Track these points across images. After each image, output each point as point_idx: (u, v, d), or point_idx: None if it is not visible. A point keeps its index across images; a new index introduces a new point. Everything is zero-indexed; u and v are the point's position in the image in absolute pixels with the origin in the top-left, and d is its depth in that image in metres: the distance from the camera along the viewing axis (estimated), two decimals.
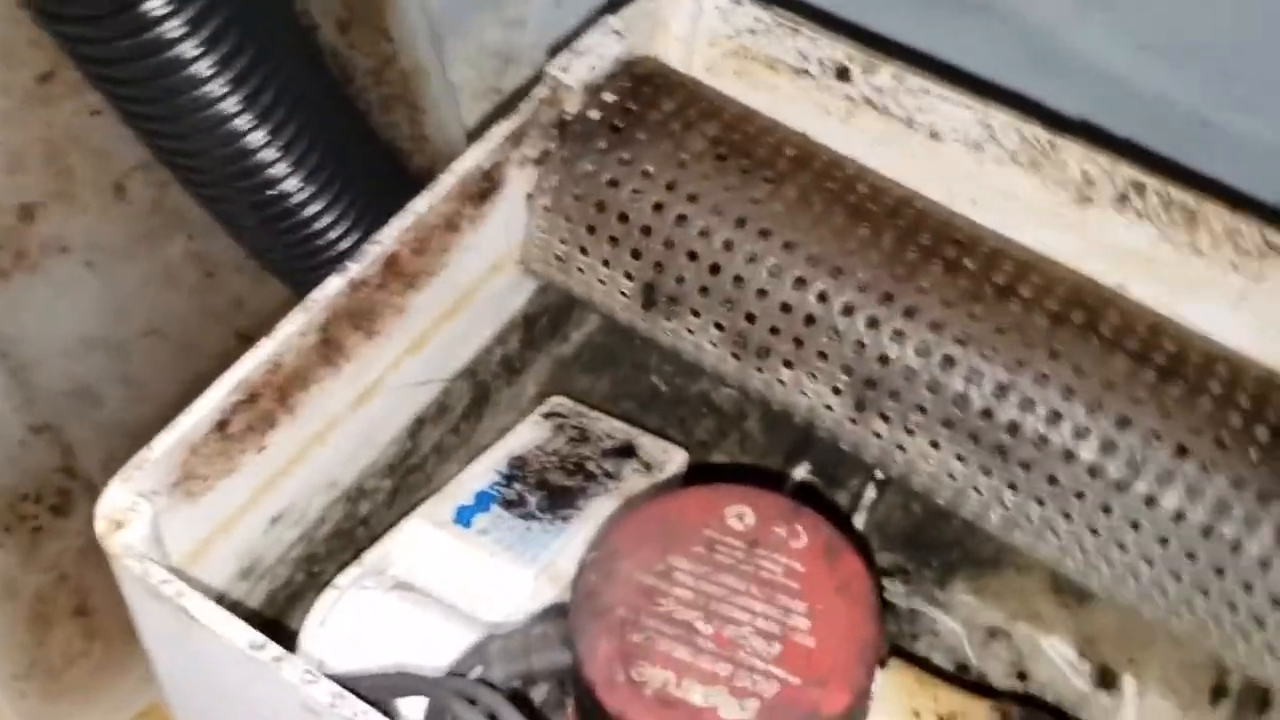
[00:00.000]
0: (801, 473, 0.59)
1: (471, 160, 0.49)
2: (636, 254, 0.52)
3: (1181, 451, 0.46)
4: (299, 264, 0.55)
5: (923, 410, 0.48)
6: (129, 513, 0.39)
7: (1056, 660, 0.56)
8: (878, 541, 0.58)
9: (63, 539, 0.61)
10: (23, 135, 0.54)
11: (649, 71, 0.55)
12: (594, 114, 0.53)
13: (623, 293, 0.53)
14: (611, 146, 0.52)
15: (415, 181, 0.69)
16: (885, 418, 0.49)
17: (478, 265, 0.53)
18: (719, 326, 0.51)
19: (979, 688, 0.45)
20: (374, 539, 0.53)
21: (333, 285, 0.45)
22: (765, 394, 0.52)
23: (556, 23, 0.86)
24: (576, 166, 0.52)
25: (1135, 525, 0.46)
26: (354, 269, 0.46)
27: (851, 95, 0.55)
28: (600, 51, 0.53)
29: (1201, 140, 0.83)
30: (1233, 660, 0.48)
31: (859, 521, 0.56)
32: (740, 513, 0.41)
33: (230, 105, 0.48)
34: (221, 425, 0.42)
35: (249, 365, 0.43)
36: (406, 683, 0.40)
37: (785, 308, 0.50)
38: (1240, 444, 0.46)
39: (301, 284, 0.55)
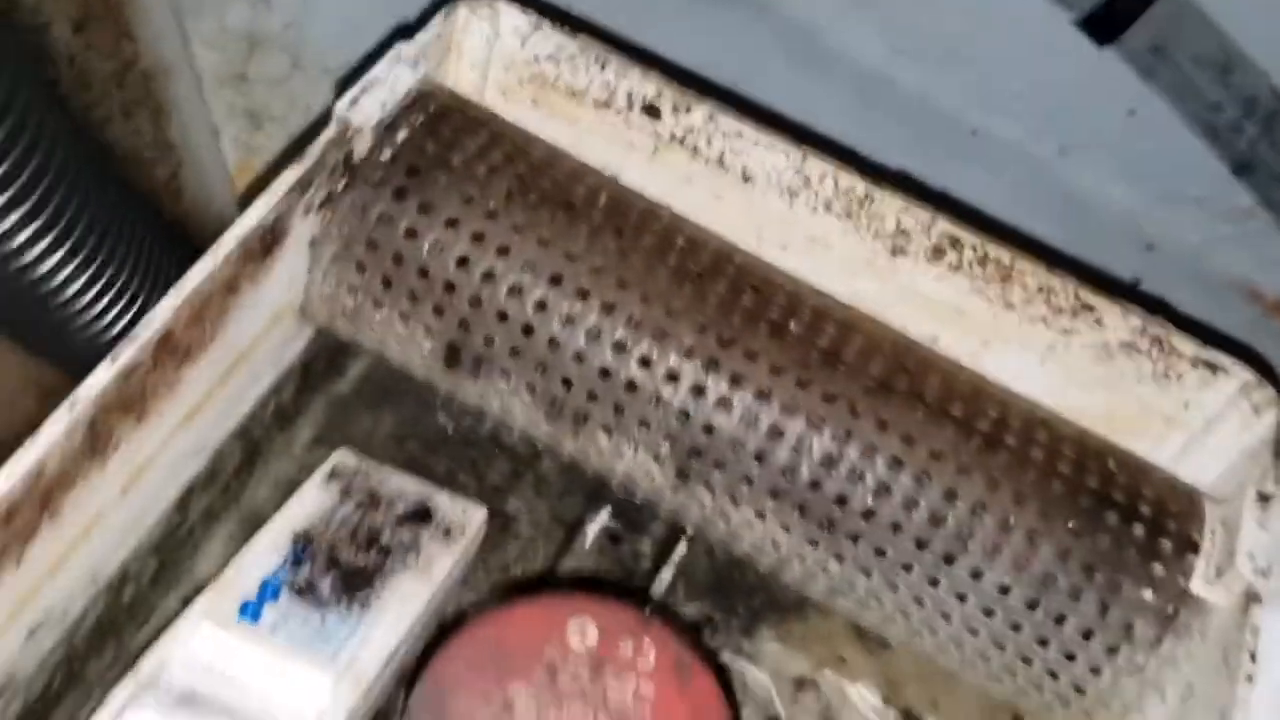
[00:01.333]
0: (603, 518, 0.56)
1: (254, 218, 0.43)
2: (439, 311, 0.47)
3: (1006, 525, 0.45)
4: (50, 333, 0.47)
5: (749, 481, 0.46)
6: None
7: (863, 708, 0.55)
8: (683, 591, 0.56)
9: None
10: None
11: (446, 105, 0.50)
12: (387, 155, 0.48)
13: (422, 350, 0.49)
14: (409, 192, 0.47)
15: (174, 222, 0.63)
16: (709, 487, 0.47)
17: (257, 322, 0.48)
18: (530, 389, 0.48)
19: None
20: (139, 625, 0.47)
21: (101, 377, 0.39)
22: (579, 458, 0.49)
23: (306, 4, 0.80)
24: (369, 213, 0.47)
25: (962, 598, 0.46)
26: (125, 355, 0.40)
27: (660, 132, 0.52)
28: (393, 85, 0.48)
29: (972, 149, 0.84)
30: None
31: (667, 575, 0.54)
32: (582, 628, 0.37)
33: None
34: None
35: (9, 480, 0.36)
36: None
37: (604, 373, 0.47)
38: (1063, 514, 0.46)
39: (41, 345, 0.48)
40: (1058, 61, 0.79)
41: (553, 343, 0.47)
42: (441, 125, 0.49)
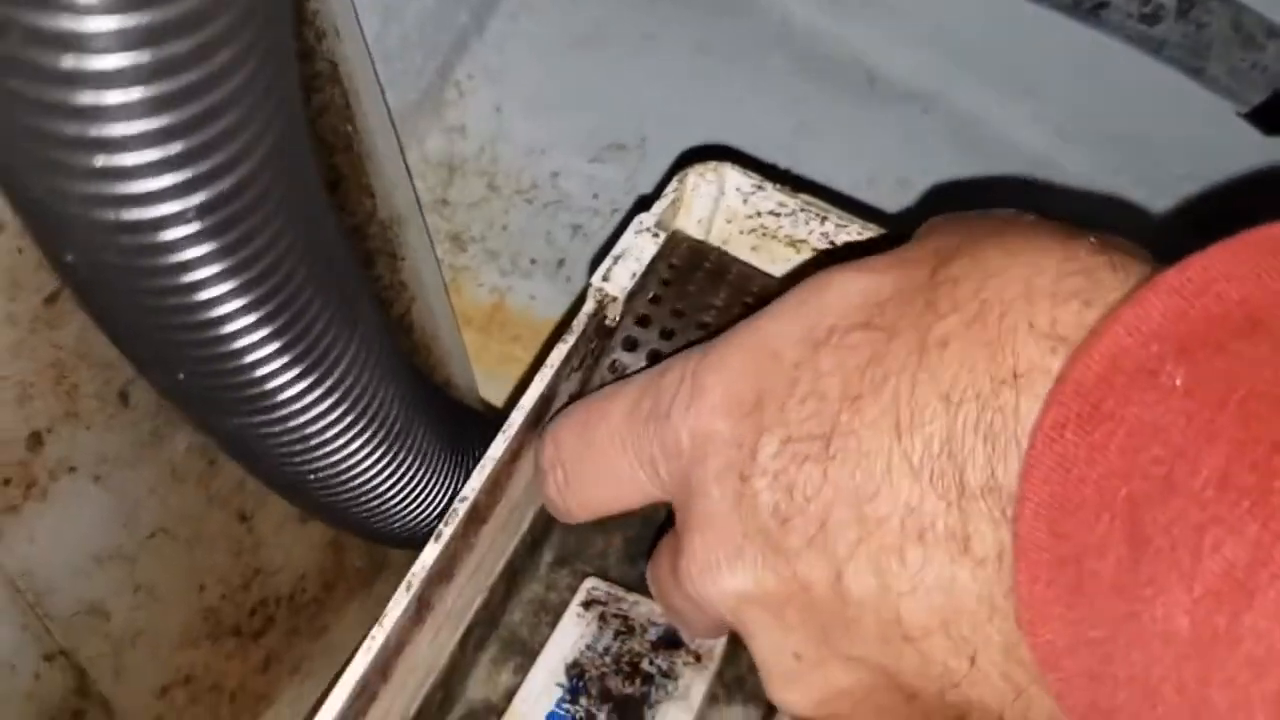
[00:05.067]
0: None
1: (535, 394, 0.49)
2: None
3: None
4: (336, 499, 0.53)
5: None
6: None
7: None
8: None
9: None
10: (32, 364, 0.51)
11: (686, 262, 0.54)
12: (637, 315, 0.52)
13: None
14: (661, 355, 0.52)
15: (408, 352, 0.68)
16: None
17: (528, 476, 0.53)
18: None
19: None
20: None
21: (430, 554, 0.44)
22: None
23: (496, 130, 0.85)
24: (626, 374, 0.52)
25: None
26: (447, 532, 0.45)
27: None
28: (638, 255, 0.53)
29: (1140, 231, 0.87)
30: None
31: None
32: None
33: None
34: None
35: (364, 664, 0.41)
36: None
37: None
38: None
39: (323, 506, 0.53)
40: (1224, 144, 0.82)
41: None
42: (686, 283, 0.53)
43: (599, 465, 0.43)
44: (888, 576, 0.34)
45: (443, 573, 0.46)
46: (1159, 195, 0.86)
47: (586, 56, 0.86)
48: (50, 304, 0.51)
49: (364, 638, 0.43)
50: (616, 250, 0.53)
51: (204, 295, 0.36)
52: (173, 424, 0.58)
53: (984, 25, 0.83)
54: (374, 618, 0.45)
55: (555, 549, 0.62)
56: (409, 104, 0.80)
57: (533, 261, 0.86)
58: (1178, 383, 0.29)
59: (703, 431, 0.38)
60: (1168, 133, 0.84)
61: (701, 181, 0.56)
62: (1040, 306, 0.33)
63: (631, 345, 0.52)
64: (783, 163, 0.88)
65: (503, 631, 0.59)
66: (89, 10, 0.28)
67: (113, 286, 0.36)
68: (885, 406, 0.34)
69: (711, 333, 0.51)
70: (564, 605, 0.57)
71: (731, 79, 0.87)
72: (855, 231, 0.55)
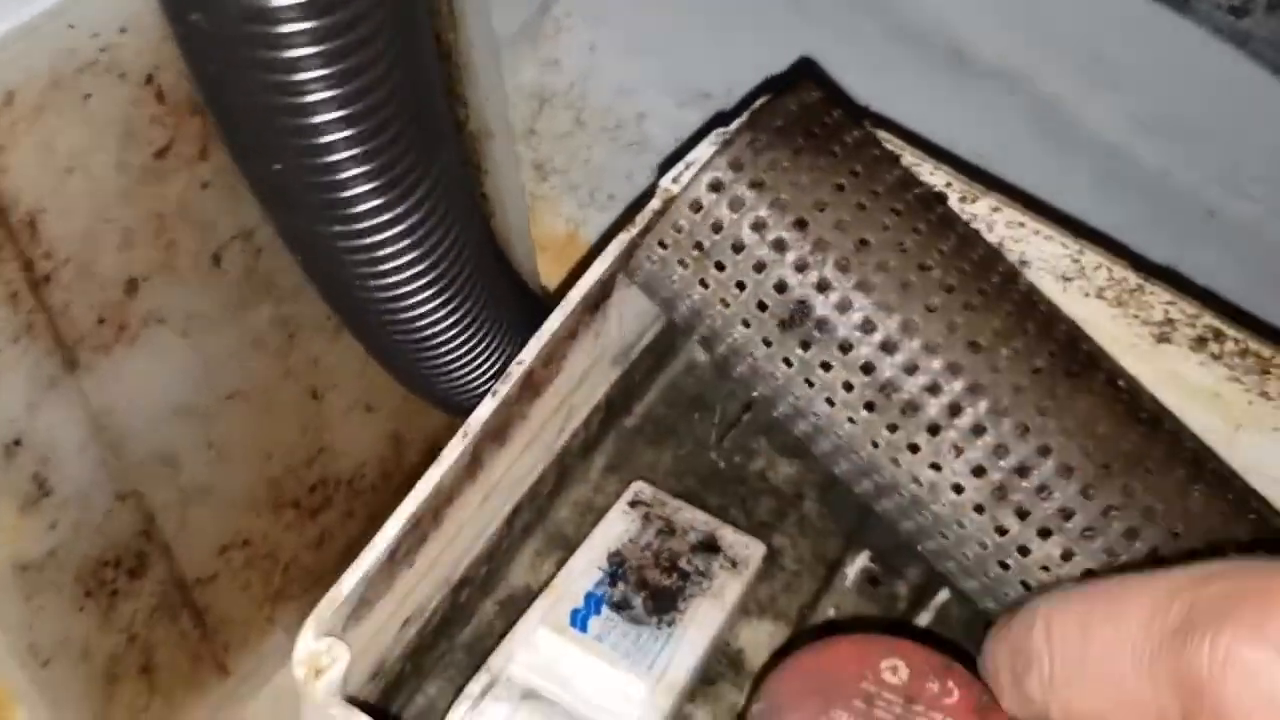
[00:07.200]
0: (862, 560, 0.62)
1: (595, 275, 0.51)
2: (781, 288, 0.51)
3: None
4: (420, 363, 0.55)
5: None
6: (327, 657, 0.40)
7: None
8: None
9: (136, 599, 0.61)
10: (137, 212, 0.54)
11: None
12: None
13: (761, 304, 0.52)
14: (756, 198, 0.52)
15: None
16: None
17: (583, 363, 0.55)
18: (847, 387, 0.52)
19: None
20: (463, 624, 0.55)
21: (485, 409, 0.47)
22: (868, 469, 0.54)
23: (589, 68, 0.88)
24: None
25: None
26: (503, 390, 0.47)
27: None
28: (711, 165, 0.55)
29: (1207, 229, 0.88)
30: None
31: (925, 620, 0.59)
32: (894, 665, 0.43)
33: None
34: (392, 554, 0.44)
35: (420, 496, 0.44)
36: None
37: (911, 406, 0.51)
38: None
39: (409, 373, 0.56)
40: None
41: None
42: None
43: (1101, 672, 0.35)
44: None
45: (496, 433, 0.48)
46: (1232, 196, 0.87)
47: (682, 4, 0.87)
48: (159, 158, 0.54)
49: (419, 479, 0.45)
50: (690, 157, 0.54)
51: (299, 76, 0.38)
52: (259, 293, 0.61)
53: (1075, 11, 0.83)
54: None
55: (608, 455, 0.65)
56: (508, 34, 0.83)
57: (610, 197, 0.88)
58: None
59: None
60: (1247, 133, 0.85)
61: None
62: None
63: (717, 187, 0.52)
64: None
65: (549, 526, 0.61)
66: None
67: (226, 55, 0.38)
68: None
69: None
70: (610, 508, 0.59)
71: (820, 40, 0.88)
72: (927, 171, 0.57)
